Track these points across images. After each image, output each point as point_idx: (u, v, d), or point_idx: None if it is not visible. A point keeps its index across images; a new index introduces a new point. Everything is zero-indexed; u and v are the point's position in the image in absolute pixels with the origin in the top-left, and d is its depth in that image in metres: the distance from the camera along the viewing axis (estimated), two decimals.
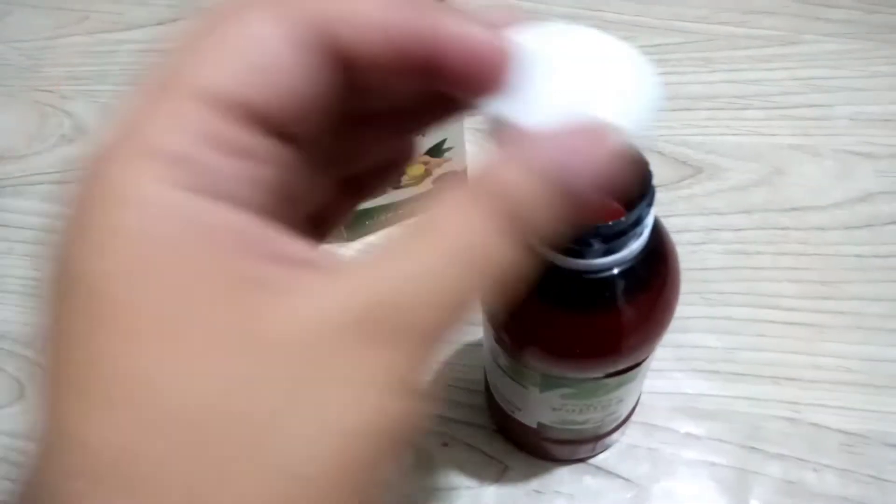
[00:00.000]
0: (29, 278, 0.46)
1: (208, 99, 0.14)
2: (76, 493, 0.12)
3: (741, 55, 0.51)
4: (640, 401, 0.38)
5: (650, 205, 0.21)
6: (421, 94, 0.17)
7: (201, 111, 0.14)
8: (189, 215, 0.13)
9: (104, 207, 0.13)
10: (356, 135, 0.18)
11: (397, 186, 0.42)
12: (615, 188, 0.15)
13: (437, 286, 0.14)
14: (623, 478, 0.37)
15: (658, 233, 0.24)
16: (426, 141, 0.40)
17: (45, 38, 0.57)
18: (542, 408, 0.30)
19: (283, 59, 0.14)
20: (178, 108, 0.14)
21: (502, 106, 0.16)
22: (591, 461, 0.37)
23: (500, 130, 0.16)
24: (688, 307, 0.41)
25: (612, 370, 0.26)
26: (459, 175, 0.43)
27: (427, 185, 0.43)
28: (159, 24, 0.57)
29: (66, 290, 0.13)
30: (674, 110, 0.49)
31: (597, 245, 0.21)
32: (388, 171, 0.21)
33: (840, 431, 0.37)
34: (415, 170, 0.42)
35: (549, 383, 0.28)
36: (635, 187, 0.21)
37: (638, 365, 0.27)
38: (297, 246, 0.15)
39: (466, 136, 0.42)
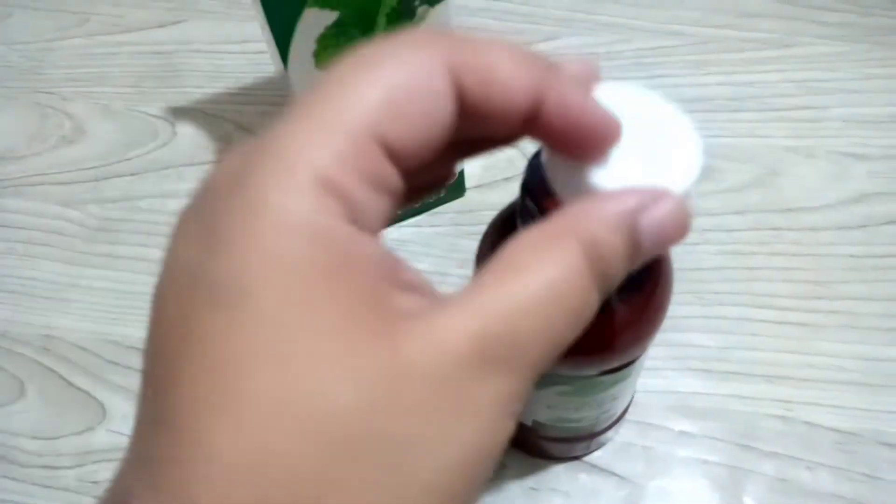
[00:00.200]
0: (29, 278, 0.47)
1: (363, 134, 0.14)
2: (210, 499, 0.13)
3: (736, 58, 0.51)
4: (635, 399, 0.38)
5: None
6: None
7: (356, 145, 0.14)
8: (340, 245, 0.14)
9: (264, 231, 0.14)
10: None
11: None
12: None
13: (544, 322, 0.15)
14: (618, 476, 0.37)
15: None
16: None
17: (45, 40, 0.58)
18: (537, 405, 0.31)
19: (425, 101, 0.15)
20: (336, 140, 0.14)
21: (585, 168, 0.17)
22: (587, 459, 0.38)
23: (572, 179, 0.18)
24: (682, 307, 0.41)
25: (606, 368, 0.27)
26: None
27: None
28: (160, 26, 0.58)
29: (206, 302, 0.14)
30: None
31: None
32: (431, 189, 0.22)
33: (833, 430, 0.38)
34: None
35: (544, 381, 0.28)
36: None
37: (632, 363, 0.28)
38: (414, 275, 0.16)
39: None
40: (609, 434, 0.37)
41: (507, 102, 0.16)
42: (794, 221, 0.44)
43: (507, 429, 0.15)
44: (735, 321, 0.41)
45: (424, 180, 0.21)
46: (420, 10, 0.35)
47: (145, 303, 0.48)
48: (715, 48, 0.52)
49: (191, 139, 0.52)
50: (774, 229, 0.44)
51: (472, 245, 0.28)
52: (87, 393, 0.42)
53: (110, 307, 0.45)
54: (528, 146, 0.20)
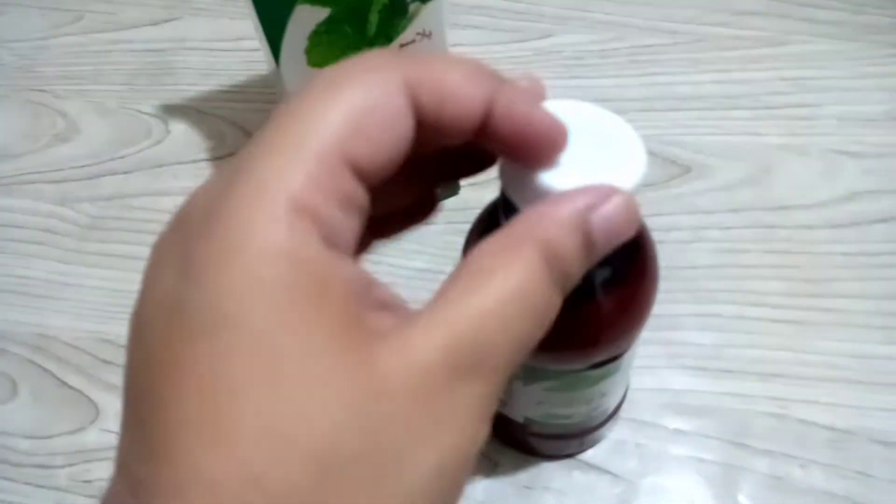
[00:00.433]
0: (21, 277, 0.47)
1: (331, 155, 0.15)
2: None
3: (729, 56, 0.51)
4: (629, 397, 0.38)
5: None
6: (459, 150, 0.19)
7: (326, 167, 0.15)
8: (316, 269, 0.14)
9: (242, 259, 0.14)
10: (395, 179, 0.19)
11: None
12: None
13: (509, 325, 0.16)
14: (612, 473, 0.37)
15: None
16: None
17: (38, 38, 0.58)
18: (526, 401, 0.31)
19: (386, 119, 0.16)
20: (306, 164, 0.15)
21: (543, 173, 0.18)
22: (580, 457, 0.38)
23: (526, 186, 0.19)
24: (676, 304, 0.41)
25: (591, 362, 0.27)
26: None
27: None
28: (153, 24, 0.58)
29: (187, 330, 0.14)
30: (663, 110, 0.49)
31: None
32: (410, 221, 0.22)
33: (827, 427, 0.38)
34: None
35: (531, 376, 0.28)
36: None
37: (618, 358, 0.28)
38: (385, 291, 0.17)
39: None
40: (602, 432, 0.37)
41: (459, 113, 0.17)
42: (787, 219, 0.44)
43: (481, 431, 0.16)
44: (729, 319, 0.41)
45: (403, 205, 0.22)
46: (412, 6, 0.35)
47: None
48: (709, 46, 0.52)
49: (184, 137, 0.52)
50: (768, 227, 0.44)
51: None
52: (80, 392, 0.42)
53: (104, 306, 0.45)
54: None
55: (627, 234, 0.18)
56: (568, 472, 0.37)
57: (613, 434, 0.38)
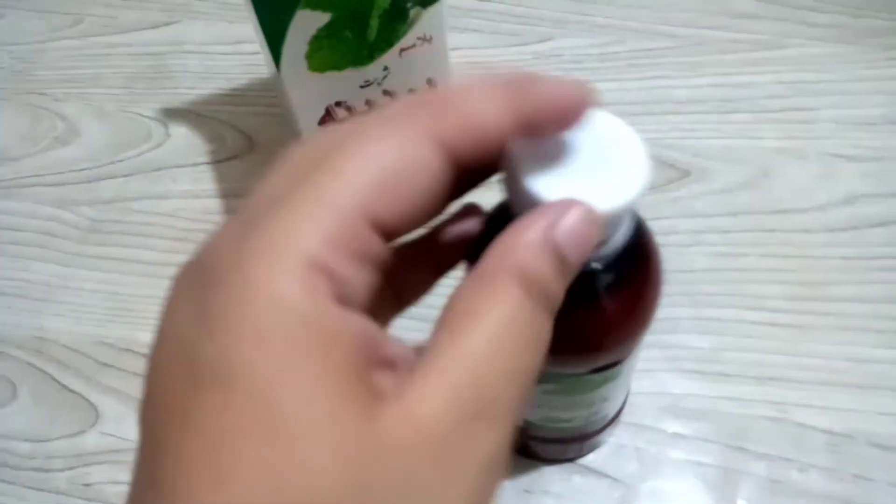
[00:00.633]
0: (21, 280, 0.47)
1: (353, 215, 0.15)
2: None
3: (728, 59, 0.51)
4: (628, 400, 0.38)
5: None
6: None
7: (346, 226, 0.15)
8: (326, 328, 0.15)
9: (255, 315, 0.14)
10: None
11: None
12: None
13: (506, 363, 0.16)
14: (611, 477, 0.37)
15: (640, 229, 0.24)
16: None
17: (38, 42, 0.58)
18: (526, 404, 0.30)
19: (416, 177, 0.16)
20: (326, 223, 0.15)
21: (528, 177, 0.19)
22: (580, 461, 0.38)
23: (528, 198, 0.19)
24: (674, 308, 0.41)
25: (593, 366, 0.27)
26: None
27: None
28: (153, 27, 0.58)
29: (198, 381, 0.14)
30: (661, 114, 0.49)
31: None
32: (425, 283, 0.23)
33: (825, 431, 0.38)
34: None
35: None
36: None
37: (619, 363, 0.28)
38: (394, 347, 0.17)
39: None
40: (602, 437, 0.37)
41: (496, 139, 0.17)
42: (785, 223, 0.44)
43: (495, 479, 0.16)
44: (727, 322, 0.41)
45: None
46: (412, 11, 0.35)
47: (138, 304, 0.48)
48: (707, 50, 0.52)
49: (184, 140, 0.52)
50: (766, 231, 0.44)
51: None
52: (80, 395, 0.42)
53: (103, 309, 0.45)
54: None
55: (593, 241, 0.18)
56: (567, 477, 0.38)
57: (613, 438, 0.38)
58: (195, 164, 0.50)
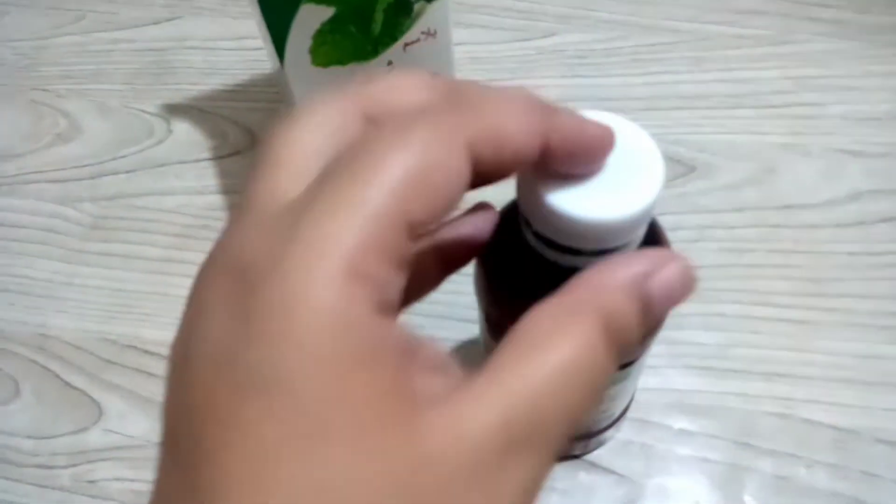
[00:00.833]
0: (24, 277, 0.46)
1: (390, 218, 0.15)
2: None
3: (733, 54, 0.51)
4: (635, 397, 0.38)
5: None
6: None
7: (384, 230, 0.15)
8: (368, 336, 0.14)
9: (298, 324, 0.14)
10: None
11: None
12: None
13: (564, 401, 0.15)
14: (617, 474, 0.37)
15: (654, 229, 0.24)
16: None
17: (40, 38, 0.58)
18: None
19: (445, 180, 0.16)
20: (365, 227, 0.15)
21: (547, 186, 0.19)
22: (586, 457, 0.38)
23: (541, 205, 0.19)
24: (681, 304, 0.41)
25: None
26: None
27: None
28: (155, 23, 0.58)
29: (243, 391, 0.14)
30: (666, 109, 0.49)
31: None
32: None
33: (832, 427, 0.38)
34: None
35: None
36: None
37: (631, 363, 0.27)
38: (433, 350, 0.17)
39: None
40: (608, 433, 0.37)
41: (519, 157, 0.17)
42: (791, 219, 0.44)
43: (533, 502, 0.15)
44: (733, 319, 0.41)
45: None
46: (417, 6, 0.35)
47: (141, 301, 0.48)
48: (712, 45, 0.52)
49: (187, 136, 0.51)
50: (772, 227, 0.44)
51: None
52: (83, 392, 0.42)
53: (106, 306, 0.45)
54: None
55: (684, 299, 0.18)
56: (573, 473, 0.37)
57: (619, 434, 0.38)
58: (197, 161, 0.50)
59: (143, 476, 0.39)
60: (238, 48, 0.55)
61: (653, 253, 0.17)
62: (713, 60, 0.51)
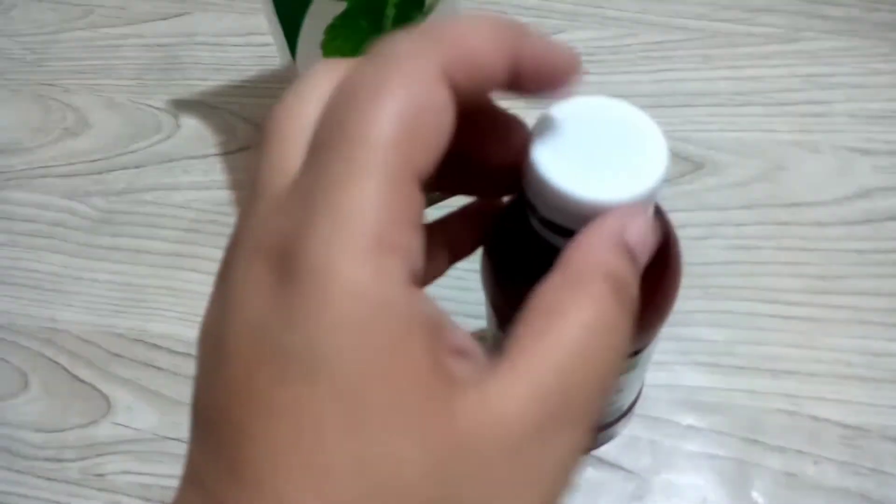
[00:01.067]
0: (32, 270, 0.47)
1: (404, 173, 0.14)
2: None
3: (741, 52, 0.51)
4: (642, 393, 0.38)
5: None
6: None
7: (401, 190, 0.14)
8: (402, 313, 0.14)
9: (335, 303, 0.14)
10: None
11: None
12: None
13: (591, 364, 0.15)
14: (625, 469, 0.37)
15: (661, 222, 0.24)
16: None
17: (49, 33, 0.58)
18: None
19: (438, 118, 0.15)
20: (383, 190, 0.14)
21: (554, 171, 0.19)
22: (594, 453, 0.38)
23: (550, 192, 0.19)
24: (689, 301, 0.41)
25: None
26: None
27: None
28: (163, 18, 0.58)
29: (283, 371, 0.14)
30: (675, 106, 0.49)
31: None
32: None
33: (840, 424, 0.38)
34: None
35: None
36: None
37: (637, 353, 0.27)
38: (458, 332, 0.16)
39: None
40: (616, 429, 0.37)
41: (491, 78, 0.16)
42: (799, 216, 0.44)
43: (570, 482, 0.15)
44: (741, 315, 0.41)
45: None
46: (428, 1, 0.35)
47: (149, 295, 0.48)
48: (721, 42, 0.52)
49: (195, 132, 0.51)
50: (780, 224, 0.44)
51: None
52: (91, 385, 0.42)
53: (114, 299, 0.45)
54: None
55: (653, 245, 0.18)
56: (581, 468, 0.37)
57: (626, 430, 0.38)
58: (206, 156, 0.50)
59: (151, 469, 0.40)
60: (246, 44, 0.55)
61: (618, 210, 0.18)
62: (722, 58, 0.51)
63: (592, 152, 0.19)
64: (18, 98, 0.54)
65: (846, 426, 0.38)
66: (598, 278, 0.16)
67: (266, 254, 0.15)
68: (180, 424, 0.41)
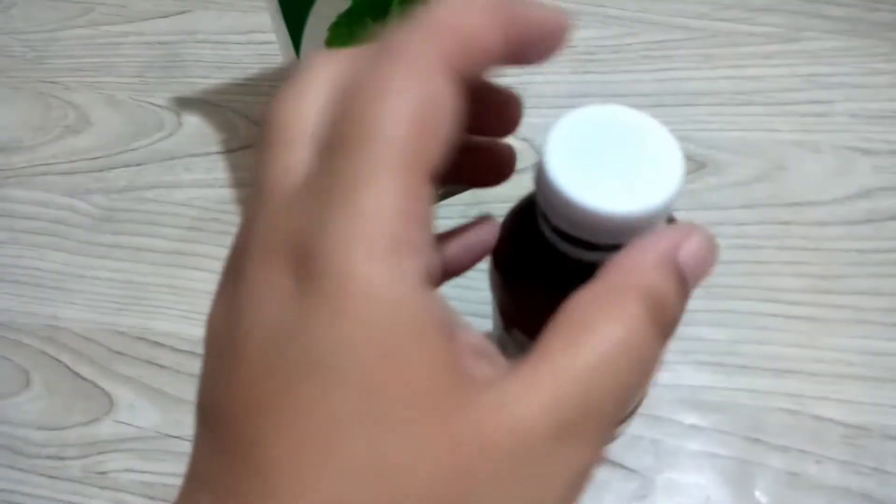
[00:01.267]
0: (34, 269, 0.46)
1: (417, 169, 0.14)
2: None
3: (742, 52, 0.51)
4: (647, 392, 0.38)
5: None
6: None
7: (414, 185, 0.14)
8: (418, 313, 0.14)
9: (351, 303, 0.14)
10: None
11: None
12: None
13: (614, 382, 0.15)
14: (627, 468, 0.37)
15: (670, 220, 0.24)
16: None
17: (49, 30, 0.58)
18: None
19: (446, 109, 0.15)
20: (396, 191, 0.14)
21: (569, 182, 0.19)
22: None
23: (562, 200, 0.19)
24: (691, 300, 0.41)
25: None
26: None
27: None
28: (164, 16, 0.57)
29: (302, 369, 0.14)
30: (676, 106, 0.49)
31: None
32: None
33: (842, 424, 0.38)
34: None
35: None
36: None
37: None
38: (472, 334, 0.16)
39: None
40: (621, 427, 0.37)
41: (488, 58, 0.16)
42: (800, 216, 0.44)
43: (582, 490, 0.15)
44: (743, 315, 0.41)
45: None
46: None
47: (151, 293, 0.47)
48: (722, 42, 0.52)
49: (196, 130, 0.51)
50: (782, 224, 0.44)
51: None
52: (93, 383, 0.42)
53: (116, 297, 0.45)
54: (536, 138, 0.20)
55: (712, 266, 0.18)
56: None
57: (629, 429, 0.38)
58: (207, 154, 0.50)
59: (153, 467, 0.39)
60: (248, 42, 0.55)
61: (675, 228, 0.17)
62: (723, 57, 0.51)
63: (607, 162, 0.19)
64: (19, 96, 0.54)
65: (848, 425, 0.38)
66: (635, 296, 0.16)
67: (282, 255, 0.15)
68: (183, 422, 0.41)
